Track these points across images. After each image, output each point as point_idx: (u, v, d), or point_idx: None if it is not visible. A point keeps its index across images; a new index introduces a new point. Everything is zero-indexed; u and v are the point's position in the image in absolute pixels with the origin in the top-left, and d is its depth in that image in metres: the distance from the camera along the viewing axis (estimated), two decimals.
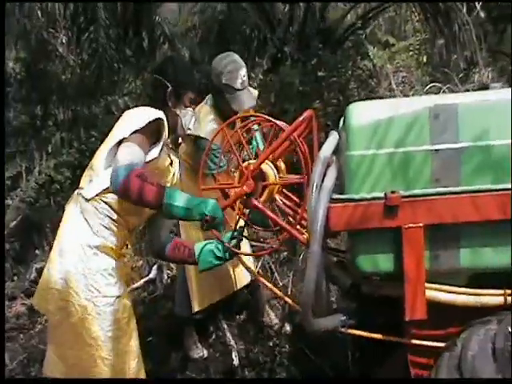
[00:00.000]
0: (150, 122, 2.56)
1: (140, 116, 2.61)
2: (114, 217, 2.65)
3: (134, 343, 2.70)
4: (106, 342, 2.59)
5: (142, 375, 2.73)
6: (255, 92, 3.65)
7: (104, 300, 2.60)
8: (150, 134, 2.61)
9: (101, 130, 5.59)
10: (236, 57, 3.49)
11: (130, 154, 2.47)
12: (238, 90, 3.40)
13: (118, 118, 2.72)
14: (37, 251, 5.14)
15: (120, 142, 2.54)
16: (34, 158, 5.85)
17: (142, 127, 2.54)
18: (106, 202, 2.62)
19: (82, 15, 6.26)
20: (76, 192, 2.72)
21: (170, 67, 2.81)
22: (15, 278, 5.02)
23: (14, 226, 5.37)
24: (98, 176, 2.63)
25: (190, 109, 2.81)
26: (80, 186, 2.71)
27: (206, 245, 2.75)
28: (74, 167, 5.64)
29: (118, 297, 2.65)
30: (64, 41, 7.43)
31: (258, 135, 3.43)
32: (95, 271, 2.61)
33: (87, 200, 2.63)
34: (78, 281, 2.58)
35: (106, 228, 2.65)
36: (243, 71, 3.43)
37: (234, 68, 3.40)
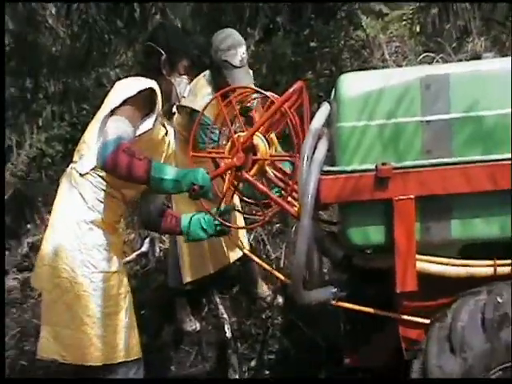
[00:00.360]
0: (141, 92, 2.52)
1: (131, 85, 2.56)
2: (110, 190, 2.61)
3: (130, 319, 2.69)
4: (103, 318, 2.56)
5: (138, 351, 2.71)
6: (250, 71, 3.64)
7: (101, 275, 2.57)
8: (143, 104, 2.56)
9: (92, 103, 5.56)
10: (236, 34, 3.48)
11: (118, 128, 2.42)
12: (237, 67, 3.39)
13: (110, 90, 2.68)
14: (28, 225, 5.14)
15: (112, 113, 2.49)
16: (25, 131, 5.81)
17: (133, 96, 2.49)
18: (101, 176, 2.57)
19: None
20: (70, 167, 2.67)
21: (163, 34, 2.76)
22: (7, 252, 5.01)
23: (6, 201, 5.34)
24: (91, 150, 2.58)
25: (185, 77, 2.77)
26: (73, 160, 2.67)
27: (193, 216, 2.74)
28: (65, 141, 5.62)
29: (114, 272, 2.63)
30: (53, 12, 7.33)
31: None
32: (91, 247, 2.58)
33: (82, 175, 2.59)
34: (73, 257, 2.55)
35: (102, 202, 2.60)
36: (242, 49, 3.43)
37: (233, 45, 3.39)
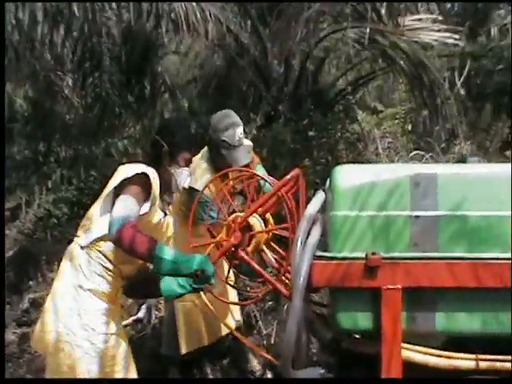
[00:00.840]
0: (137, 174, 2.61)
1: (129, 169, 2.67)
2: (108, 265, 2.67)
3: (130, 378, 2.73)
4: (103, 377, 2.62)
5: None
6: (250, 144, 3.67)
7: (100, 338, 2.63)
8: (143, 187, 2.63)
9: (100, 171, 5.62)
10: (234, 115, 3.52)
11: (126, 207, 2.52)
12: (235, 146, 3.42)
13: (117, 160, 2.78)
14: (31, 282, 5.10)
15: (115, 193, 2.59)
16: (35, 191, 5.85)
17: (129, 177, 2.59)
18: (99, 251, 2.65)
19: (88, 60, 6.36)
20: (74, 241, 2.75)
21: (168, 128, 2.89)
22: (8, 306, 4.95)
23: (11, 256, 5.33)
24: (93, 226, 2.67)
25: (186, 168, 2.85)
26: (77, 234, 2.75)
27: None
28: (71, 203, 5.65)
29: (113, 334, 2.67)
30: (70, 83, 7.52)
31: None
32: (90, 312, 2.63)
33: (82, 248, 2.66)
34: (73, 322, 2.61)
35: (99, 275, 2.66)
36: (240, 129, 3.46)
37: (232, 126, 3.43)
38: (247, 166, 3.52)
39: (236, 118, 3.50)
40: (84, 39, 6.11)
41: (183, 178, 2.84)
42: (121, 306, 2.93)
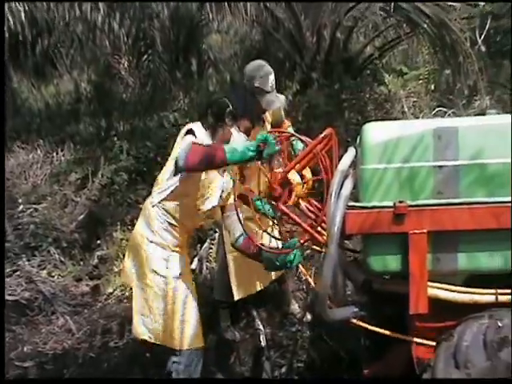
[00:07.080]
0: (187, 131, 2.80)
1: (184, 130, 2.84)
2: (172, 222, 2.85)
3: (192, 315, 2.88)
4: (171, 313, 2.83)
5: (200, 341, 2.93)
6: (282, 96, 3.70)
7: (164, 280, 2.85)
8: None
9: (154, 141, 5.68)
10: (266, 64, 3.53)
11: (186, 145, 2.61)
12: (268, 92, 3.43)
13: (168, 132, 2.85)
14: (98, 241, 5.20)
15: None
16: (99, 163, 5.93)
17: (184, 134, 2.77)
18: (165, 209, 2.83)
19: (140, 41, 6.38)
20: (147, 200, 2.96)
21: (238, 95, 2.97)
22: (81, 262, 5.08)
23: (81, 220, 5.44)
24: (159, 187, 2.85)
25: (244, 135, 2.89)
26: (151, 195, 2.94)
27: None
28: (130, 171, 5.71)
29: (174, 277, 2.86)
30: (125, 65, 7.56)
31: (297, 143, 3.45)
32: (156, 259, 2.86)
33: (153, 206, 2.86)
34: (145, 266, 2.87)
35: (165, 230, 2.85)
36: (272, 76, 3.46)
37: (265, 74, 3.43)
38: (279, 126, 3.58)
39: (268, 67, 3.50)
40: (137, 24, 6.12)
41: (240, 142, 2.85)
42: (187, 255, 3.08)
